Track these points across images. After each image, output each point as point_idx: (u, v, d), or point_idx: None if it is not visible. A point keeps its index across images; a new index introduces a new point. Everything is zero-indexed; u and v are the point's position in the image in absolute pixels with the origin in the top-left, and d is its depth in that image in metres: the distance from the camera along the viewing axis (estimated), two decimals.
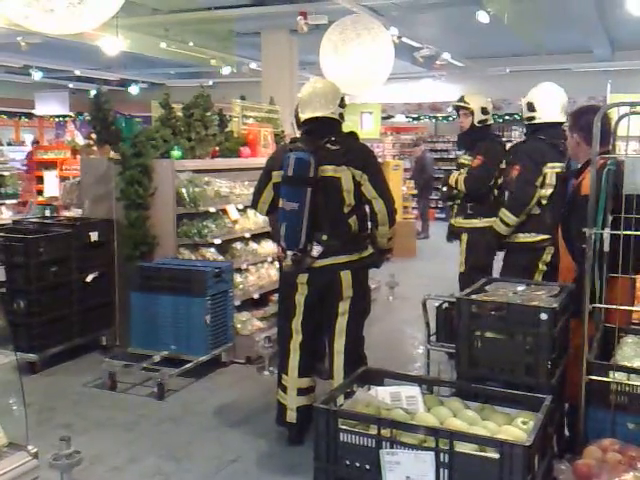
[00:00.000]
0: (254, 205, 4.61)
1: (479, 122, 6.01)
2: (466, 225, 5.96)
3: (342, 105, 4.33)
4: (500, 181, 5.89)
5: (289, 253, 4.22)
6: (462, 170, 6.02)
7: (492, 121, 6.21)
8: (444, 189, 6.28)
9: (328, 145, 4.17)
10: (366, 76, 8.00)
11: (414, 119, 18.50)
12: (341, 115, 4.33)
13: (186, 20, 11.23)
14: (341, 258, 4.21)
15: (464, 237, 5.98)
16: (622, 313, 3.29)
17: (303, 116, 4.31)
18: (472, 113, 5.99)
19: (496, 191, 5.93)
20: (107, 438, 4.50)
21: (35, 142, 15.60)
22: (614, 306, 3.16)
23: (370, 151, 4.47)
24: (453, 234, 6.18)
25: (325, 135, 4.20)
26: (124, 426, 4.70)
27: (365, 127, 13.48)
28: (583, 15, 11.04)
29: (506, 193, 5.37)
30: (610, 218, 3.16)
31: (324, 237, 4.18)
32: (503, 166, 5.83)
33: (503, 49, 15.00)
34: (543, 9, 10.38)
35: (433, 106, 18.26)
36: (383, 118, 14.54)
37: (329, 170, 4.14)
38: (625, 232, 3.03)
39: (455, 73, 16.66)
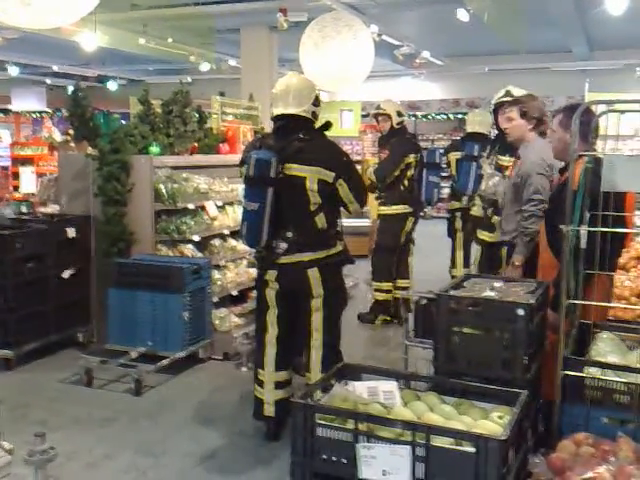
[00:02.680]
0: None
1: (397, 124, 7.09)
2: (380, 212, 7.18)
3: (316, 103, 4.25)
4: (410, 173, 6.98)
5: (252, 251, 4.28)
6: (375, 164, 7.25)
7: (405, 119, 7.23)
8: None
9: (296, 143, 4.11)
10: (346, 73, 8.00)
11: None
12: (314, 113, 4.25)
13: (165, 16, 11.16)
14: (307, 255, 4.18)
15: (378, 220, 7.22)
16: (599, 309, 3.32)
17: (275, 111, 4.24)
18: (390, 117, 7.03)
19: (406, 182, 6.99)
20: (83, 434, 4.48)
21: None
22: (590, 302, 3.19)
23: (341, 150, 4.41)
24: None
25: (295, 133, 4.15)
26: (100, 422, 4.67)
27: (345, 125, 13.43)
28: (562, 14, 11.12)
29: None
30: (587, 215, 3.18)
31: (289, 234, 4.16)
32: (410, 160, 6.96)
33: (482, 48, 15.06)
34: (522, 8, 10.43)
35: (413, 104, 18.32)
36: (363, 116, 14.51)
37: (294, 169, 4.10)
38: (601, 229, 3.06)
39: (434, 71, 16.73)
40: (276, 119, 4.29)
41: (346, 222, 4.48)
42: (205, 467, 4.08)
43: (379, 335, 6.92)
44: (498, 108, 5.79)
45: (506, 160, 5.81)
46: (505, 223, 4.91)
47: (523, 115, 4.80)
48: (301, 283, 4.21)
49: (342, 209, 4.38)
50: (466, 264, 7.65)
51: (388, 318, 7.16)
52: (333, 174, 4.12)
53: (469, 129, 7.60)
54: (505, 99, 5.64)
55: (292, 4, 10.08)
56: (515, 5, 10.12)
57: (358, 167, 4.74)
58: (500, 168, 5.79)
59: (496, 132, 6.05)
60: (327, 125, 4.31)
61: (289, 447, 2.73)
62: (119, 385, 5.32)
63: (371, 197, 8.82)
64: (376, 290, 7.19)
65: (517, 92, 5.73)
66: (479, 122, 7.40)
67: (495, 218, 5.71)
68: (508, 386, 2.92)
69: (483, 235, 5.70)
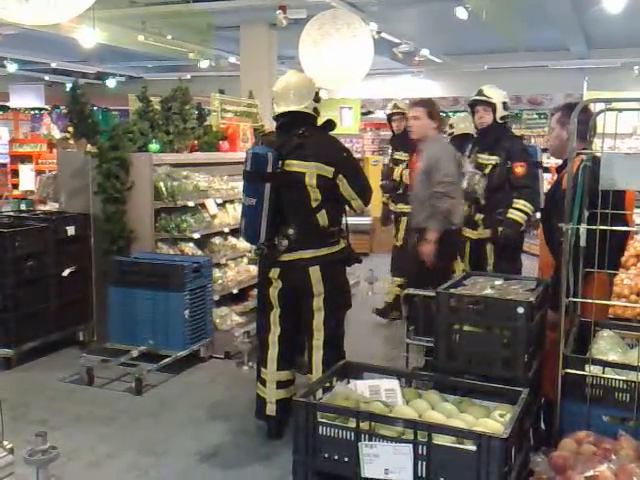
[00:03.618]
0: None
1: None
2: (406, 210, 6.80)
3: (317, 99, 4.27)
4: None
5: (253, 247, 4.28)
6: (401, 165, 7.17)
7: None
8: (385, 182, 7.57)
9: (295, 139, 4.12)
10: (345, 71, 8.00)
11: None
12: (315, 110, 4.26)
13: (164, 13, 11.12)
14: (308, 253, 4.17)
15: (403, 219, 7.01)
16: (599, 307, 3.32)
17: (277, 110, 4.27)
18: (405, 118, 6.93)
19: None
20: (84, 433, 4.48)
21: None
22: (590, 300, 3.19)
23: (342, 146, 4.36)
24: (388, 219, 7.54)
25: (297, 129, 4.16)
26: (101, 421, 4.67)
27: (344, 123, 13.45)
28: (560, 12, 11.11)
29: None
30: (586, 213, 3.19)
31: (290, 231, 4.15)
32: None
33: (481, 46, 15.03)
34: (521, 6, 10.42)
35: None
36: (362, 114, 14.49)
37: (294, 165, 4.10)
38: (600, 227, 3.06)
39: (434, 69, 16.68)
40: (278, 117, 4.30)
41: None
42: (207, 465, 4.09)
43: (378, 333, 6.92)
44: (473, 107, 5.86)
45: (485, 158, 5.85)
46: (417, 212, 5.31)
47: (430, 116, 5.32)
48: (302, 281, 4.20)
49: (348, 208, 4.36)
50: None
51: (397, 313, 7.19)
52: (332, 169, 4.12)
53: (459, 131, 7.43)
54: (478, 98, 5.73)
55: (291, 1, 10.05)
56: (513, 3, 10.11)
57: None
58: (480, 166, 5.83)
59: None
60: (331, 124, 4.33)
61: (291, 445, 2.74)
62: (120, 384, 5.32)
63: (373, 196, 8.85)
64: (398, 285, 7.09)
65: (489, 91, 5.75)
66: (464, 120, 7.34)
67: (478, 216, 5.79)
68: (509, 384, 2.93)
69: (467, 232, 5.77)
